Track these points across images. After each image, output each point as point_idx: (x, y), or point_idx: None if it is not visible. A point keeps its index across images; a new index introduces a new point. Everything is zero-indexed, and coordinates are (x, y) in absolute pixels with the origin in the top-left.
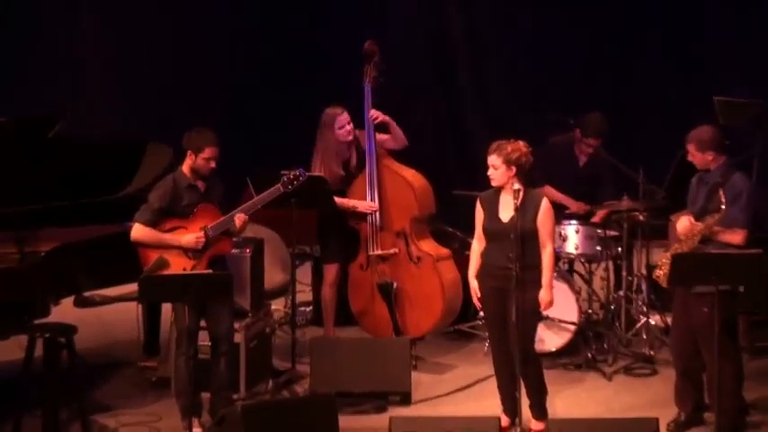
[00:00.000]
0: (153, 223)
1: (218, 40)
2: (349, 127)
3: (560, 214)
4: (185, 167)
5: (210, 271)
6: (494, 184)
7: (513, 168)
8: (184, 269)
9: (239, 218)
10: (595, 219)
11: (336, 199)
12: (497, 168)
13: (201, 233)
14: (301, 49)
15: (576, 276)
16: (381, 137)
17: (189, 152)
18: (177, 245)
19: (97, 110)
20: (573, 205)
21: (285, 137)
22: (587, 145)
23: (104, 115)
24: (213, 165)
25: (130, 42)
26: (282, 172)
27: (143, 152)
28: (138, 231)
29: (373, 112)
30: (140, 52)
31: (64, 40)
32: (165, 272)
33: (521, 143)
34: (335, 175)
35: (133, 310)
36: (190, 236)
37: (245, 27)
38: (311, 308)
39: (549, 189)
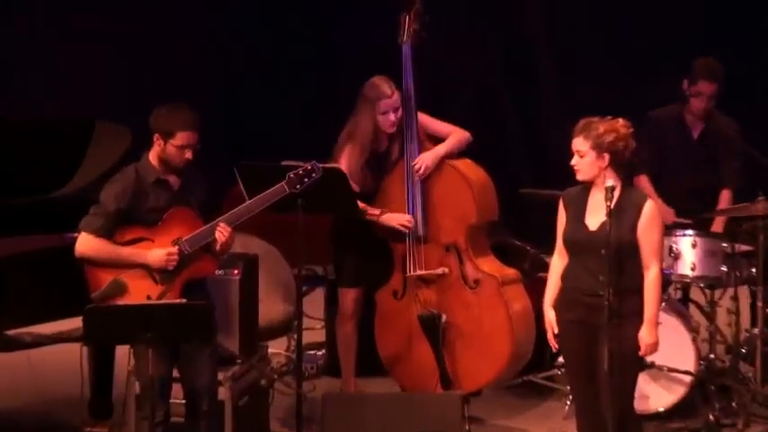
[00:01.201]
0: (107, 232)
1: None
2: (394, 117)
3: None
4: (152, 156)
5: (184, 300)
6: (579, 177)
7: (606, 156)
8: (149, 297)
9: (222, 230)
10: (716, 227)
11: (364, 206)
12: (584, 155)
13: (174, 248)
14: (297, 23)
15: (692, 308)
16: (440, 129)
17: (156, 136)
18: (141, 263)
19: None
20: (661, 212)
21: (284, 120)
22: (699, 93)
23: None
24: (189, 155)
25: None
26: (285, 163)
27: (89, 135)
28: (86, 244)
29: (419, 169)
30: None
31: None
32: (122, 300)
33: (620, 122)
34: (356, 175)
35: (76, 355)
36: (158, 251)
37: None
38: (324, 351)
39: (644, 181)
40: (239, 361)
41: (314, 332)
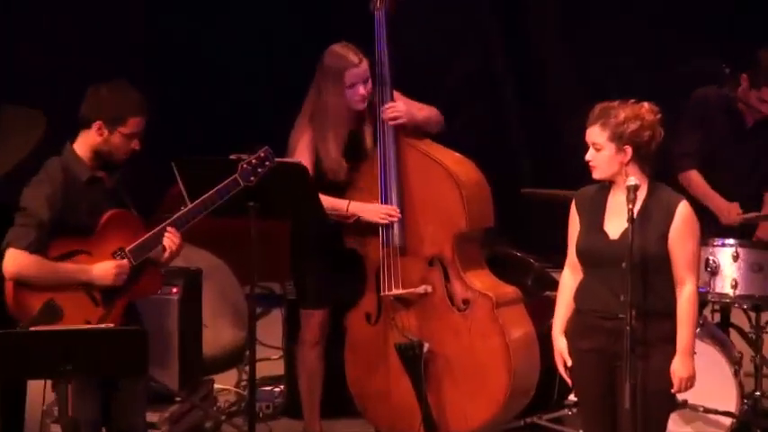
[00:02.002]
0: (41, 247)
1: None
2: (364, 90)
3: (709, 226)
4: (81, 148)
5: (110, 325)
6: (595, 174)
7: (628, 149)
8: (88, 322)
9: (171, 236)
10: (762, 233)
11: (327, 200)
12: (601, 149)
13: (123, 261)
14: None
15: (733, 334)
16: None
17: (98, 123)
18: (85, 280)
19: None
20: (723, 209)
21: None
22: (763, 101)
23: None
24: (136, 146)
25: None
26: (234, 157)
27: None
28: (20, 263)
29: (389, 110)
30: None
31: None
32: (57, 326)
33: (644, 107)
34: (336, 165)
35: None
36: (105, 264)
37: None
38: (282, 387)
39: (694, 177)
40: (179, 399)
41: (270, 363)
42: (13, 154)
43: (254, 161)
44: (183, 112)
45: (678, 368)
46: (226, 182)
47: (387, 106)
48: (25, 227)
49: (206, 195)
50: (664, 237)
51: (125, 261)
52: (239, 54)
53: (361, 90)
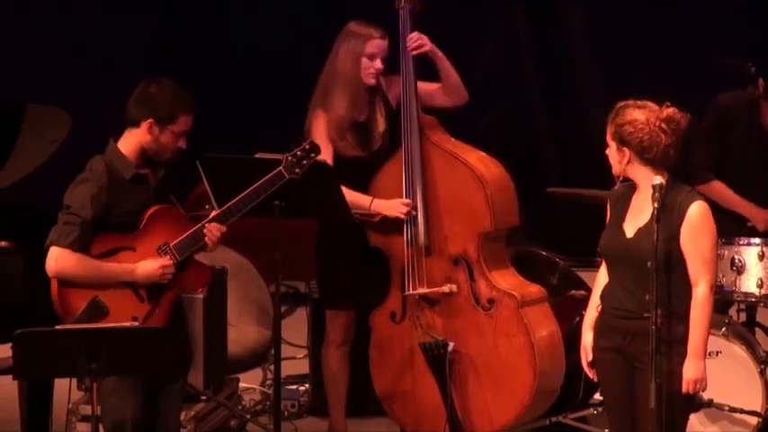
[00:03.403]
0: (84, 245)
1: None
2: (381, 65)
3: (737, 227)
4: (127, 146)
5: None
6: (614, 172)
7: (626, 150)
8: (135, 318)
9: (213, 230)
10: None
11: (350, 195)
12: (608, 146)
13: (167, 258)
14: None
15: (759, 333)
16: (425, 86)
17: (150, 122)
18: (129, 279)
19: None
20: (756, 216)
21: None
22: None
23: None
24: (183, 144)
25: None
26: (260, 155)
27: (19, 121)
28: (64, 261)
29: (414, 36)
30: None
31: None
32: (104, 323)
33: (665, 113)
34: (340, 122)
35: (9, 393)
36: (149, 263)
37: None
38: (308, 386)
39: (718, 186)
40: (204, 397)
41: (295, 362)
42: (38, 154)
43: (298, 153)
44: (205, 110)
45: (688, 370)
46: (269, 175)
47: (411, 36)
48: (68, 225)
49: (250, 189)
50: (673, 237)
51: (168, 259)
52: (264, 52)
53: (378, 64)
